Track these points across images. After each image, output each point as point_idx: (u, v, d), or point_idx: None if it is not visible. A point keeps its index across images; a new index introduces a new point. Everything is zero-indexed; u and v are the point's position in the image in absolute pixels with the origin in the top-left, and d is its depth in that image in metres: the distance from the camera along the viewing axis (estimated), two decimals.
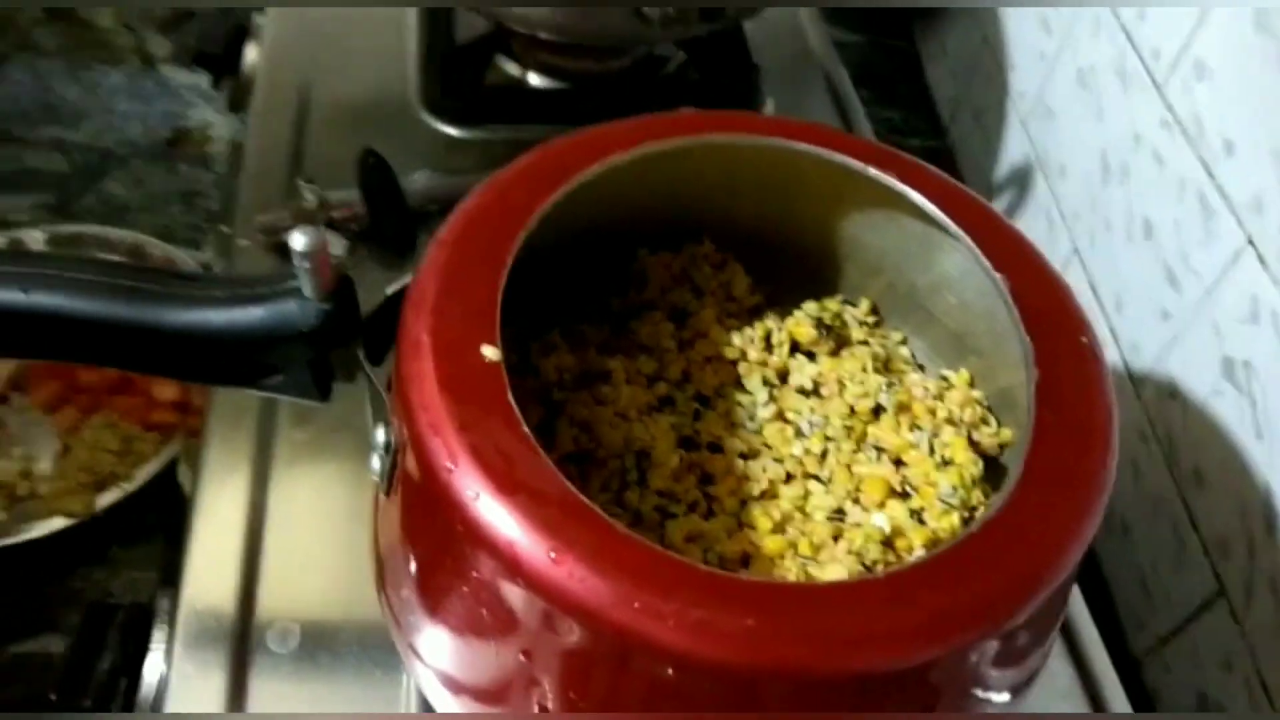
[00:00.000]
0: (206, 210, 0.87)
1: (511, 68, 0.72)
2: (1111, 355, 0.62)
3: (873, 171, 0.40)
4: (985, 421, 0.42)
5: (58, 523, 0.61)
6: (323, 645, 0.45)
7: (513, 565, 0.28)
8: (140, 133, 0.92)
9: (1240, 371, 0.51)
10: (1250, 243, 0.50)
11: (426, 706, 0.43)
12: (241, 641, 0.45)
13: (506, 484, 0.29)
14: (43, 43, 0.98)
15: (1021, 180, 0.75)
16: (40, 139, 0.90)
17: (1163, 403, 0.57)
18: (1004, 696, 0.36)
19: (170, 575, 0.49)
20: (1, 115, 0.92)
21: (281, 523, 0.48)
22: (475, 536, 0.29)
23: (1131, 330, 0.60)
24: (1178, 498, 0.55)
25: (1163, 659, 0.56)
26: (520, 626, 0.30)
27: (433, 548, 0.33)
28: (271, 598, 0.46)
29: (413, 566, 0.35)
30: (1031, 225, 0.72)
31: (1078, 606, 0.50)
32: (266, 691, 0.44)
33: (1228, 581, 0.51)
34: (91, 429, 0.64)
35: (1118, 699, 0.47)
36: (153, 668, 0.46)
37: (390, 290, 0.37)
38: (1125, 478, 0.60)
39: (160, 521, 0.65)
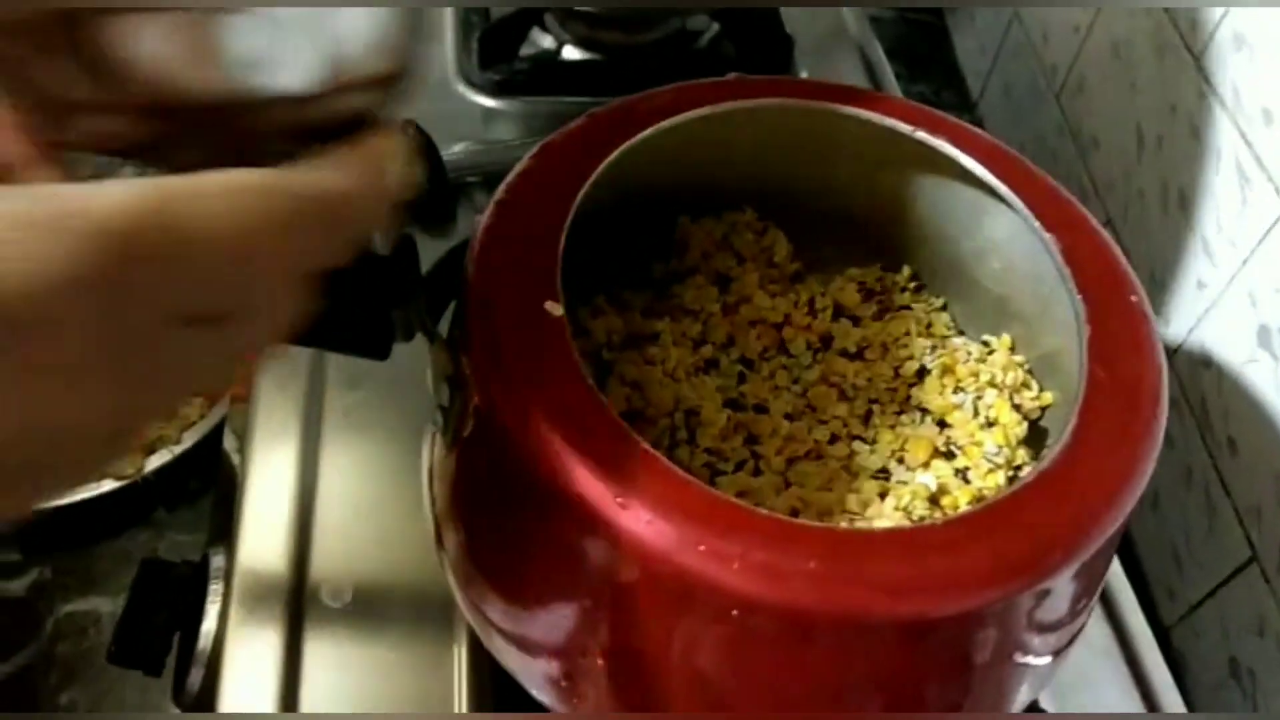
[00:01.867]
0: None
1: (546, 41, 0.73)
2: None
3: (921, 135, 0.41)
4: (1027, 385, 0.42)
5: (106, 485, 0.62)
6: (376, 603, 0.46)
7: (581, 512, 0.29)
8: None
9: (1276, 339, 0.51)
10: None
11: (478, 665, 0.43)
12: (296, 598, 0.46)
13: (573, 435, 0.30)
14: None
15: (1052, 152, 0.75)
16: None
17: (1196, 372, 0.57)
18: (1045, 659, 0.36)
19: (218, 535, 0.50)
20: None
21: (333, 482, 0.49)
22: (544, 486, 0.30)
23: (1166, 300, 0.61)
24: (1211, 466, 0.55)
25: (1192, 625, 0.57)
26: (586, 574, 0.31)
27: (498, 500, 0.34)
28: (325, 556, 0.47)
29: (475, 520, 0.36)
30: None
31: (1114, 569, 0.51)
32: (321, 647, 0.45)
33: (1260, 547, 0.52)
34: None
35: (1152, 657, 0.47)
36: (208, 623, 0.47)
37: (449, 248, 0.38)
38: None
39: (204, 485, 0.66)
